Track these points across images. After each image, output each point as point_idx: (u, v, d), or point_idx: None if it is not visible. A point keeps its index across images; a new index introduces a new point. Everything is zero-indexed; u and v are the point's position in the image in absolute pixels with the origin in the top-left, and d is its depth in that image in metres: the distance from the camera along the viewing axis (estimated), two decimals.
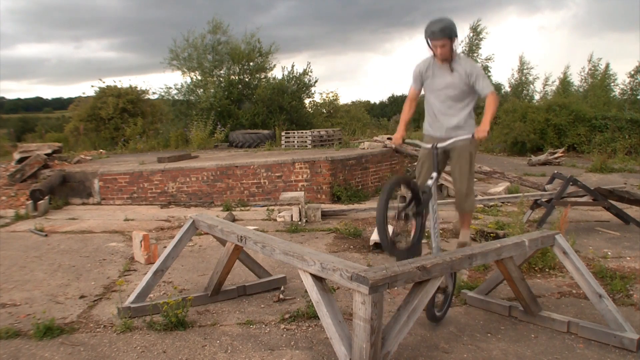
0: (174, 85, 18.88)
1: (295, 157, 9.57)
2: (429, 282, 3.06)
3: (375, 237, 5.93)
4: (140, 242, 5.65)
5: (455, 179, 4.09)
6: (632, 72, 23.07)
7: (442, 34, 3.61)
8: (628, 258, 5.50)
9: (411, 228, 3.53)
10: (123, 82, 21.59)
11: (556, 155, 14.70)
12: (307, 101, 20.14)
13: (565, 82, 25.12)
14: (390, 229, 3.27)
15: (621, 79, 43.46)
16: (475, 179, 4.30)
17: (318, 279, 3.13)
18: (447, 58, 3.75)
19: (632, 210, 7.41)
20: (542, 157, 14.74)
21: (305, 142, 12.72)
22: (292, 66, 20.69)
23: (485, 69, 25.56)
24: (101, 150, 15.11)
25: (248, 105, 17.99)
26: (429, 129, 4.15)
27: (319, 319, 3.28)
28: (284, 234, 6.78)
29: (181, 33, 20.48)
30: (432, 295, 3.57)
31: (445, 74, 3.84)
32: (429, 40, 3.73)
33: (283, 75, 19.37)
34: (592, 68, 24.32)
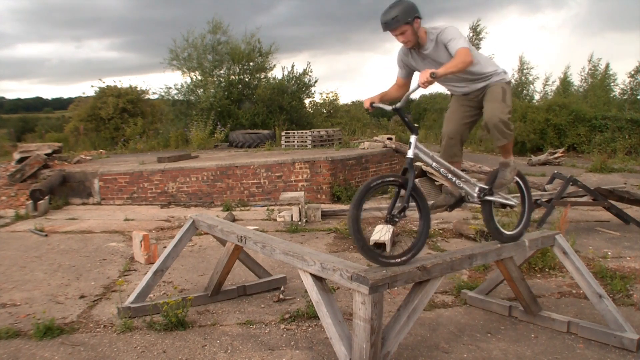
0: (174, 85, 18.88)
1: (295, 157, 9.57)
2: (429, 282, 3.06)
3: (375, 237, 5.93)
4: (140, 242, 5.65)
5: (486, 108, 3.43)
6: (632, 72, 23.08)
7: (395, 24, 3.20)
8: (628, 258, 5.50)
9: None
10: (123, 82, 21.65)
11: (556, 155, 14.70)
12: (307, 101, 20.14)
13: (565, 82, 25.11)
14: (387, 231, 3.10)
15: (621, 78, 43.48)
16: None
17: (318, 279, 3.13)
18: (414, 42, 3.32)
19: (632, 210, 7.41)
20: (542, 157, 14.73)
21: (305, 142, 12.72)
22: (292, 66, 20.71)
23: None
24: (101, 150, 15.12)
25: (248, 105, 17.98)
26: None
27: (319, 319, 3.28)
28: (284, 234, 6.77)
29: (181, 33, 20.48)
30: (491, 213, 3.49)
31: (426, 56, 3.44)
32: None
33: (283, 75, 19.38)
34: (592, 68, 24.33)
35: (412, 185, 3.02)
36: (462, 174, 3.45)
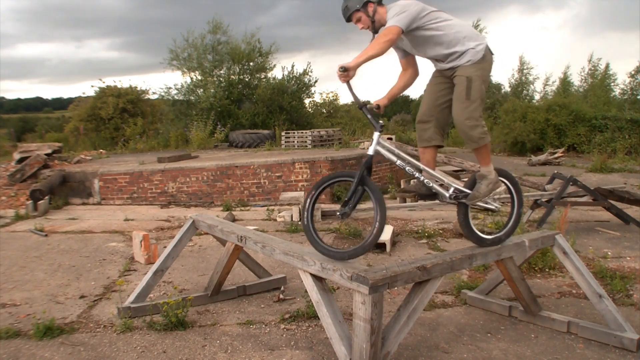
0: (174, 85, 18.92)
1: (295, 157, 9.57)
2: (429, 282, 3.06)
3: None
4: (140, 242, 5.65)
5: (452, 107, 3.30)
6: (633, 72, 23.09)
7: (346, 13, 3.27)
8: (628, 258, 5.50)
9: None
10: (123, 82, 21.68)
11: (556, 155, 14.70)
12: (307, 101, 20.17)
13: (565, 82, 25.12)
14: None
15: (621, 79, 43.49)
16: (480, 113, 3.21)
17: (318, 279, 3.13)
18: (373, 26, 3.26)
19: (632, 210, 7.40)
20: (542, 157, 14.73)
21: (305, 142, 12.72)
22: (292, 66, 20.74)
23: None
24: (101, 150, 15.13)
25: (248, 105, 18.00)
26: None
27: (319, 319, 3.28)
28: (284, 234, 6.77)
29: (181, 33, 20.50)
30: (466, 216, 3.30)
31: None
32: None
33: (283, 75, 19.40)
34: (592, 68, 24.34)
35: (359, 180, 3.05)
36: (435, 173, 3.32)
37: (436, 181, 3.31)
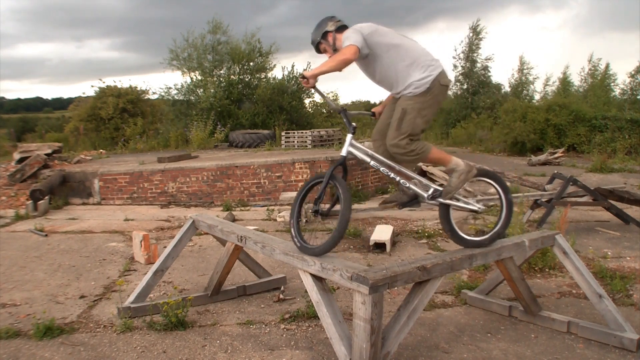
0: (174, 85, 18.93)
1: (295, 157, 9.57)
2: (429, 282, 3.06)
3: (375, 237, 5.93)
4: (140, 242, 5.65)
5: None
6: (633, 72, 23.07)
7: (315, 44, 3.45)
8: (628, 258, 5.50)
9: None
10: (123, 82, 21.71)
11: (556, 155, 14.70)
12: (307, 101, 20.18)
13: (565, 82, 25.12)
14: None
15: (621, 79, 43.53)
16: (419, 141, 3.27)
17: (318, 279, 3.13)
18: (333, 54, 3.37)
19: (632, 210, 7.41)
20: (542, 157, 14.73)
21: (305, 142, 12.73)
22: (292, 66, 20.79)
23: (485, 68, 25.52)
24: (101, 150, 15.13)
25: (248, 105, 18.01)
26: None
27: (319, 319, 3.28)
28: (284, 234, 6.77)
29: (181, 33, 20.51)
30: (447, 216, 3.31)
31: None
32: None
33: (283, 75, 19.41)
34: (592, 68, 24.35)
35: (328, 180, 3.21)
36: (412, 174, 3.33)
37: (415, 182, 3.32)
